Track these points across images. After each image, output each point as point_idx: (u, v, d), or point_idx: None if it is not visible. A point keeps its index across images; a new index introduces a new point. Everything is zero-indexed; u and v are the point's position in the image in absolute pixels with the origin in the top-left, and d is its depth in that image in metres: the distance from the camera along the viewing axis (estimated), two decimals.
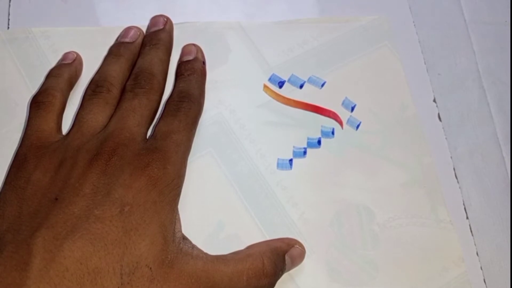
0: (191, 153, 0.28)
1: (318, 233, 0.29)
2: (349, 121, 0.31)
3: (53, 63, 0.31)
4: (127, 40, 0.31)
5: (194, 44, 0.32)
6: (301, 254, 0.28)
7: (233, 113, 0.31)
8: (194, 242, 0.26)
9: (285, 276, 0.27)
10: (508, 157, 0.32)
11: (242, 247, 0.27)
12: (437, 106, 0.33)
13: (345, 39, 0.33)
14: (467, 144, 0.32)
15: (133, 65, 0.30)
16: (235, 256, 0.26)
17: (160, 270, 0.23)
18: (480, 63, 0.34)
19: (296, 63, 0.33)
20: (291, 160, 0.30)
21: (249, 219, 0.29)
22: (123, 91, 0.29)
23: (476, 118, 0.33)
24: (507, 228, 0.30)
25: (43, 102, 0.28)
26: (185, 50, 0.32)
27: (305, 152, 0.30)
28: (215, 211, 0.29)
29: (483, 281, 0.29)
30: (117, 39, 0.32)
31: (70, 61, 0.31)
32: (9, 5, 0.33)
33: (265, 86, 0.32)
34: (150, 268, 0.23)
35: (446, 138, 0.32)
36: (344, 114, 0.32)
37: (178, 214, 0.26)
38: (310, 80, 0.32)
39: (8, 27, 0.33)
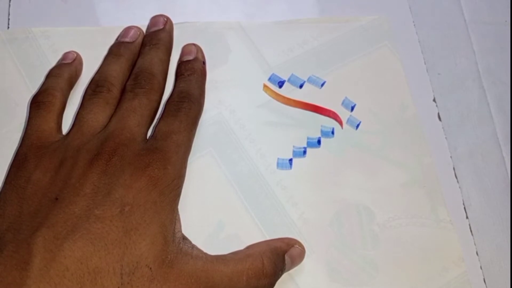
0: (191, 153, 0.28)
1: (318, 233, 0.29)
2: (349, 121, 0.31)
3: (53, 63, 0.31)
4: (127, 40, 0.31)
5: (194, 44, 0.32)
6: (301, 254, 0.28)
7: (233, 113, 0.31)
8: (194, 242, 0.26)
9: (285, 276, 0.27)
10: (508, 157, 0.32)
11: (242, 247, 0.27)
12: (437, 106, 0.33)
13: (345, 39, 0.33)
14: (467, 144, 0.32)
15: (133, 65, 0.30)
16: (235, 256, 0.26)
17: (160, 270, 0.23)
18: (480, 63, 0.34)
19: (296, 63, 0.33)
20: (291, 160, 0.30)
21: (249, 219, 0.29)
22: (123, 91, 0.29)
23: (476, 118, 0.33)
24: (507, 228, 0.30)
25: (43, 102, 0.28)
26: (185, 50, 0.32)
27: (305, 152, 0.31)
28: (215, 211, 0.29)
29: (483, 281, 0.29)
30: (117, 39, 0.32)
31: (70, 61, 0.31)
32: (9, 5, 0.33)
33: (265, 86, 0.32)
34: (150, 268, 0.23)
35: (446, 138, 0.32)
36: (344, 114, 0.32)
37: (178, 214, 0.26)
38: (310, 80, 0.32)
39: (8, 27, 0.33)
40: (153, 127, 0.29)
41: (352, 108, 0.32)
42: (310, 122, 0.31)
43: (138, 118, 0.27)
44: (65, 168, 0.25)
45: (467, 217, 0.30)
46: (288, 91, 0.32)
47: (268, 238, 0.28)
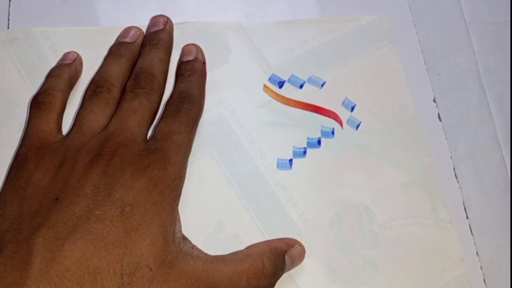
0: (191, 153, 0.29)
1: (318, 233, 0.29)
2: (349, 121, 0.31)
3: (53, 63, 0.31)
4: (127, 40, 0.31)
5: (194, 44, 0.32)
6: (301, 254, 0.28)
7: (233, 113, 0.31)
8: (194, 242, 0.26)
9: (285, 276, 0.27)
10: (508, 157, 0.32)
11: (242, 247, 0.27)
12: (437, 106, 0.33)
13: (345, 39, 0.33)
14: (467, 144, 0.32)
15: (133, 65, 0.30)
16: (235, 256, 0.26)
17: (160, 270, 0.23)
18: (480, 63, 0.34)
19: (296, 63, 0.33)
20: (291, 160, 0.30)
21: (249, 219, 0.29)
22: (123, 91, 0.29)
23: (476, 118, 0.33)
24: (507, 228, 0.30)
25: (43, 103, 0.28)
26: (185, 50, 0.32)
27: (305, 152, 0.31)
28: (215, 211, 0.29)
29: (483, 281, 0.29)
30: (117, 39, 0.32)
31: (70, 61, 0.31)
32: (9, 5, 0.33)
33: (265, 86, 0.32)
34: (151, 268, 0.23)
35: (446, 138, 0.32)
36: (344, 114, 0.32)
37: (179, 215, 0.26)
38: (310, 80, 0.32)
39: (8, 27, 0.33)
40: (153, 128, 0.29)
41: (352, 108, 0.32)
42: (310, 122, 0.31)
43: (138, 118, 0.27)
44: (65, 168, 0.25)
45: (467, 217, 0.30)
46: (288, 91, 0.32)
47: (268, 238, 0.28)
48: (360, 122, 0.31)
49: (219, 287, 0.24)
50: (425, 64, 0.34)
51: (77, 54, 0.31)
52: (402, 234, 0.29)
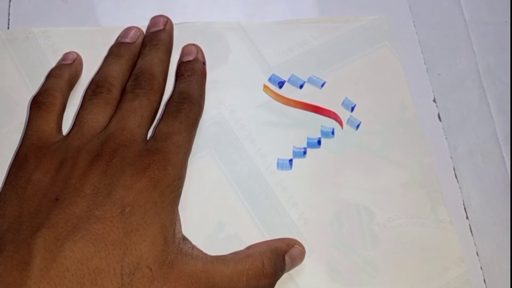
0: (191, 153, 0.29)
1: (318, 233, 0.29)
2: (349, 121, 0.31)
3: (53, 63, 0.31)
4: (127, 40, 0.31)
5: (194, 44, 0.32)
6: (301, 254, 0.28)
7: (233, 113, 0.31)
8: (194, 242, 0.26)
9: (285, 276, 0.27)
10: (508, 157, 0.32)
11: (242, 247, 0.27)
12: (437, 106, 0.33)
13: (345, 39, 0.33)
14: (467, 144, 0.32)
15: (133, 65, 0.30)
16: (235, 256, 0.26)
17: (160, 270, 0.23)
18: (480, 63, 0.34)
19: (296, 63, 0.33)
20: (291, 160, 0.30)
21: (249, 219, 0.29)
22: (123, 91, 0.29)
23: (476, 118, 0.33)
24: (507, 228, 0.30)
25: (44, 103, 0.28)
26: (185, 51, 0.32)
27: (305, 152, 0.31)
28: (215, 211, 0.29)
29: (483, 281, 0.29)
30: (117, 39, 0.32)
31: (70, 62, 0.31)
32: (9, 5, 0.33)
33: (265, 86, 0.32)
34: (151, 268, 0.23)
35: (446, 138, 0.32)
36: (344, 114, 0.32)
37: (179, 215, 0.26)
38: (310, 80, 0.32)
39: (8, 27, 0.33)
40: (153, 128, 0.29)
41: (352, 109, 0.32)
42: (310, 122, 0.31)
43: (138, 119, 0.27)
44: (65, 168, 0.25)
45: (467, 217, 0.30)
46: (288, 91, 0.32)
47: (268, 238, 0.28)
48: (360, 122, 0.31)
49: (219, 287, 0.24)
50: (425, 64, 0.34)
51: (77, 54, 0.31)
52: (402, 234, 0.29)
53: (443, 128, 0.32)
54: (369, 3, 0.35)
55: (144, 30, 0.32)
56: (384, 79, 0.33)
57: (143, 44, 0.31)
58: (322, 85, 0.32)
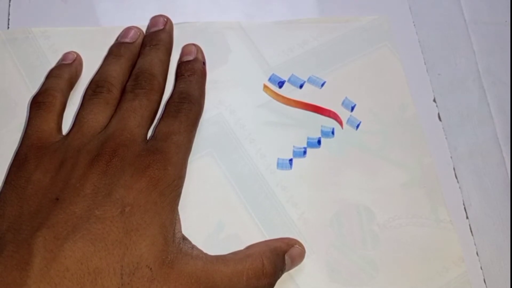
0: (191, 153, 0.28)
1: (318, 233, 0.29)
2: (349, 121, 0.31)
3: (53, 63, 0.31)
4: (127, 40, 0.31)
5: (194, 44, 0.32)
6: (301, 254, 0.28)
7: (233, 113, 0.31)
8: (194, 242, 0.26)
9: (285, 276, 0.27)
10: (508, 157, 0.32)
11: (242, 247, 0.27)
12: (437, 106, 0.33)
13: (345, 39, 0.33)
14: (467, 144, 0.32)
15: (133, 65, 0.30)
16: (235, 256, 0.26)
17: (160, 270, 0.23)
18: (480, 63, 0.34)
19: (296, 63, 0.33)
20: (291, 160, 0.30)
21: (249, 219, 0.29)
22: (123, 91, 0.29)
23: (476, 118, 0.33)
24: (507, 228, 0.30)
25: (43, 103, 0.28)
26: (185, 50, 0.32)
27: (305, 152, 0.31)
28: (215, 211, 0.29)
29: (483, 281, 0.29)
30: (117, 39, 0.32)
31: (70, 62, 0.31)
32: (9, 5, 0.33)
33: (265, 86, 0.32)
34: (150, 268, 0.23)
35: (446, 138, 0.32)
36: (344, 114, 0.32)
37: (178, 215, 0.26)
38: (310, 80, 0.32)
39: (8, 27, 0.33)
40: (153, 128, 0.29)
41: (352, 108, 0.32)
42: (310, 122, 0.31)
43: (138, 118, 0.27)
44: (65, 168, 0.25)
45: (467, 217, 0.30)
46: (288, 91, 0.32)
47: (268, 238, 0.28)
48: (360, 122, 0.31)
49: (219, 287, 0.24)
50: (425, 64, 0.34)
51: (77, 54, 0.31)
52: (402, 234, 0.29)
53: (443, 128, 0.32)
54: (369, 3, 0.35)
55: (144, 30, 0.32)
56: (384, 79, 0.33)
57: (143, 44, 0.31)
58: (322, 85, 0.32)
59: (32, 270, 0.21)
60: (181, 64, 0.31)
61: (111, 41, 0.32)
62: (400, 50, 0.33)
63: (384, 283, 0.28)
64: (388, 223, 0.29)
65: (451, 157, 0.31)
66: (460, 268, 0.28)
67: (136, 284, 0.22)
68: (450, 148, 0.32)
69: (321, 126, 0.31)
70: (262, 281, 0.25)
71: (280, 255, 0.26)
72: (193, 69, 0.30)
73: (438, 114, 0.32)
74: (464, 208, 0.30)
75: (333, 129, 0.31)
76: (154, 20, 0.32)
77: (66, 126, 0.29)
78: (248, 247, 0.27)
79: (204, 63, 0.31)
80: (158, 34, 0.31)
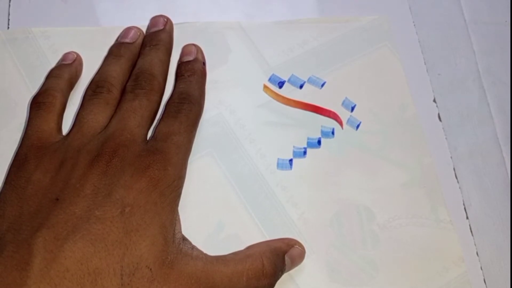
0: (191, 153, 0.28)
1: (318, 233, 0.29)
2: (349, 121, 0.31)
3: (53, 63, 0.31)
4: (127, 40, 0.31)
5: (194, 45, 0.32)
6: (301, 254, 0.28)
7: (233, 113, 0.31)
8: (194, 242, 0.26)
9: (285, 276, 0.27)
10: (508, 157, 0.32)
11: (242, 247, 0.27)
12: (437, 106, 0.33)
13: (345, 39, 0.33)
14: (467, 144, 0.32)
15: (133, 65, 0.30)
16: (235, 256, 0.26)
17: (160, 271, 0.23)
18: (480, 63, 0.34)
19: (296, 63, 0.33)
20: (291, 160, 0.30)
21: (249, 219, 0.29)
22: (123, 91, 0.29)
23: (476, 118, 0.33)
24: (507, 228, 0.30)
25: (44, 103, 0.28)
26: (185, 51, 0.32)
27: (305, 152, 0.31)
28: (215, 211, 0.29)
29: (483, 281, 0.29)
30: (117, 39, 0.32)
31: (70, 62, 0.31)
32: (9, 5, 0.33)
33: (265, 86, 0.32)
34: (150, 269, 0.23)
35: (446, 138, 0.32)
36: (344, 114, 0.32)
37: (178, 215, 0.26)
38: (310, 80, 0.32)
39: (8, 27, 0.33)
40: (153, 128, 0.29)
41: (352, 109, 0.32)
42: (310, 122, 0.31)
43: (138, 119, 0.27)
44: (65, 168, 0.25)
45: (467, 217, 0.30)
46: (288, 91, 0.32)
47: (268, 238, 0.28)
48: (360, 122, 0.31)
49: (219, 287, 0.24)
50: (425, 64, 0.34)
51: (77, 55, 0.31)
52: (402, 234, 0.29)
53: (443, 128, 0.32)
54: (369, 3, 0.35)
55: (144, 30, 0.32)
56: (384, 79, 0.33)
57: (143, 44, 0.31)
58: (322, 85, 0.32)
59: (32, 270, 0.21)
60: (181, 64, 0.31)
61: (111, 41, 0.32)
62: (400, 50, 0.33)
63: (384, 283, 0.28)
64: (388, 223, 0.29)
65: (451, 157, 0.31)
66: (460, 268, 0.28)
67: (136, 285, 0.22)
68: (450, 148, 0.32)
69: (321, 126, 0.31)
70: (262, 281, 0.25)
71: (280, 256, 0.26)
72: (193, 69, 0.30)
73: (438, 114, 0.32)
74: (464, 208, 0.30)
75: (333, 129, 0.31)
76: (154, 20, 0.32)
77: (66, 126, 0.29)
78: (248, 248, 0.27)
79: (204, 63, 0.31)
80: (158, 34, 0.31)
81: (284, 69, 0.32)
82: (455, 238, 0.29)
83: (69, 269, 0.21)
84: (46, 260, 0.21)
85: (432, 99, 0.33)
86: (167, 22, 0.32)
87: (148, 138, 0.28)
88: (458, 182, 0.31)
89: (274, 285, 0.26)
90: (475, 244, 0.30)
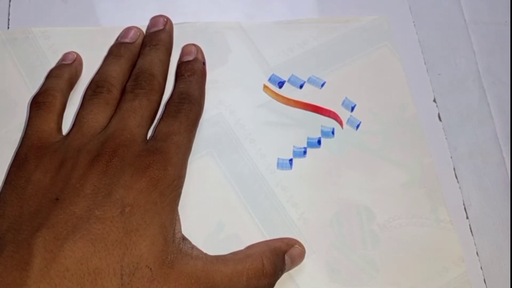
0: (191, 153, 0.28)
1: (318, 233, 0.29)
2: (349, 121, 0.31)
3: (53, 63, 0.31)
4: (127, 40, 0.31)
5: (194, 44, 0.32)
6: (301, 254, 0.28)
7: (233, 113, 0.31)
8: (194, 242, 0.26)
9: (285, 276, 0.27)
10: (508, 157, 0.32)
11: (242, 247, 0.27)
12: (437, 106, 0.33)
13: (345, 39, 0.33)
14: (467, 144, 0.32)
15: (133, 65, 0.30)
16: (235, 256, 0.26)
17: (160, 270, 0.23)
18: (480, 63, 0.34)
19: (296, 63, 0.33)
20: (291, 160, 0.30)
21: (249, 219, 0.29)
22: (123, 91, 0.29)
23: (476, 118, 0.33)
24: (507, 228, 0.30)
25: (44, 103, 0.28)
26: (185, 51, 0.32)
27: (305, 152, 0.31)
28: (215, 211, 0.29)
29: (483, 281, 0.29)
30: (117, 39, 0.32)
31: (70, 62, 0.31)
32: (9, 5, 0.33)
33: (265, 86, 0.32)
34: (150, 268, 0.23)
35: (446, 138, 0.32)
36: (344, 114, 0.32)
37: (178, 215, 0.26)
38: (310, 80, 0.32)
39: (8, 27, 0.33)
40: (153, 128, 0.29)
41: (352, 109, 0.32)
42: (310, 122, 0.31)
43: (138, 119, 0.27)
44: (65, 168, 0.25)
45: (467, 217, 0.30)
46: (288, 91, 0.32)
47: (268, 238, 0.28)
48: (360, 122, 0.31)
49: (219, 287, 0.24)
50: (425, 64, 0.34)
51: (77, 55, 0.31)
52: (402, 234, 0.29)
53: (443, 128, 0.32)
54: (369, 3, 0.35)
55: (144, 30, 0.32)
56: (384, 79, 0.33)
57: (143, 44, 0.31)
58: (322, 85, 0.32)
59: (32, 270, 0.21)
60: (181, 64, 0.31)
61: (111, 41, 0.32)
62: (400, 50, 0.33)
63: (384, 283, 0.28)
64: (388, 223, 0.29)
65: (451, 157, 0.31)
66: (460, 268, 0.28)
67: (136, 284, 0.22)
68: (450, 148, 0.32)
69: (321, 126, 0.31)
70: (262, 281, 0.25)
71: (280, 255, 0.26)
72: (193, 69, 0.30)
73: (438, 114, 0.32)
74: (464, 208, 0.30)
75: (333, 129, 0.31)
76: (154, 20, 0.32)
77: (66, 126, 0.29)
78: (248, 247, 0.27)
79: (204, 63, 0.31)
80: (158, 34, 0.31)
81: (284, 69, 0.32)
82: (455, 238, 0.29)
83: (69, 269, 0.21)
84: (46, 260, 0.21)
85: (432, 99, 0.33)
86: (167, 22, 0.32)
87: (148, 138, 0.28)
88: (458, 182, 0.31)
89: (274, 284, 0.26)
90: (475, 244, 0.30)
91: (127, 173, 0.24)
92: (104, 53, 0.31)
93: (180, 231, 0.26)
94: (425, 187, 0.30)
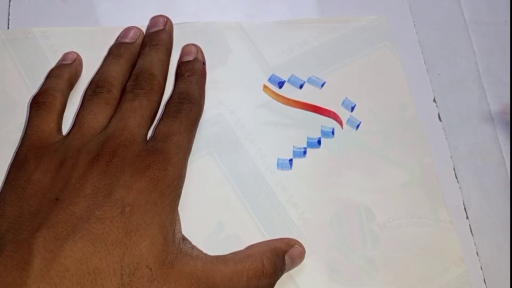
0: (191, 153, 0.28)
1: (318, 233, 0.29)
2: (349, 121, 0.31)
3: (53, 63, 0.31)
4: (127, 40, 0.31)
5: (194, 44, 0.32)
6: (301, 254, 0.28)
7: (233, 113, 0.31)
8: (194, 242, 0.26)
9: (285, 276, 0.27)
10: (508, 157, 0.32)
11: (242, 247, 0.27)
12: (437, 106, 0.33)
13: (345, 39, 0.33)
14: (467, 144, 0.32)
15: (133, 65, 0.30)
16: (235, 256, 0.26)
17: (160, 270, 0.23)
18: (480, 63, 0.34)
19: (296, 63, 0.33)
20: (291, 160, 0.30)
21: (249, 219, 0.29)
22: (123, 91, 0.29)
23: (476, 118, 0.33)
24: (507, 228, 0.30)
25: (44, 103, 0.28)
26: (185, 51, 0.32)
27: (305, 152, 0.31)
28: (215, 211, 0.29)
29: (483, 281, 0.29)
30: (117, 39, 0.32)
31: (70, 62, 0.31)
32: (9, 5, 0.33)
33: (265, 86, 0.32)
34: (150, 268, 0.23)
35: (446, 138, 0.32)
36: (344, 114, 0.32)
37: (178, 215, 0.26)
38: (310, 80, 0.32)
39: (8, 27, 0.33)
40: (153, 128, 0.29)
41: (352, 109, 0.32)
42: (310, 122, 0.31)
43: (138, 119, 0.27)
44: (65, 168, 0.25)
45: (467, 217, 0.30)
46: (288, 91, 0.32)
47: (268, 238, 0.28)
48: (360, 122, 0.31)
49: (219, 287, 0.24)
50: (425, 64, 0.34)
51: (77, 55, 0.31)
52: (402, 234, 0.29)
53: (443, 128, 0.32)
54: (369, 3, 0.35)
55: (144, 30, 0.32)
56: (384, 79, 0.33)
57: (143, 44, 0.31)
58: (322, 85, 0.32)
59: (32, 270, 0.21)
60: (181, 64, 0.31)
61: (111, 41, 0.32)
62: (400, 50, 0.33)
63: (384, 283, 0.28)
64: (388, 223, 0.29)
65: (451, 157, 0.31)
66: (460, 268, 0.28)
67: (136, 285, 0.22)
68: (450, 148, 0.32)
69: (321, 126, 0.31)
70: (262, 281, 0.25)
71: (280, 255, 0.26)
72: (193, 69, 0.30)
73: (438, 114, 0.32)
74: (464, 208, 0.30)
75: (333, 129, 0.31)
76: (154, 20, 0.32)
77: (66, 126, 0.29)
78: (248, 247, 0.27)
79: (204, 63, 0.32)
80: (158, 34, 0.31)
81: (284, 69, 0.32)
82: (455, 238, 0.29)
83: (69, 268, 0.21)
84: (46, 260, 0.21)
85: (432, 99, 0.33)
86: (167, 22, 0.32)
87: (148, 138, 0.28)
88: (458, 182, 0.31)
89: (274, 285, 0.26)
90: (475, 244, 0.30)
91: (127, 173, 0.24)
92: (104, 53, 0.31)
93: (180, 231, 0.26)
94: (425, 187, 0.30)
